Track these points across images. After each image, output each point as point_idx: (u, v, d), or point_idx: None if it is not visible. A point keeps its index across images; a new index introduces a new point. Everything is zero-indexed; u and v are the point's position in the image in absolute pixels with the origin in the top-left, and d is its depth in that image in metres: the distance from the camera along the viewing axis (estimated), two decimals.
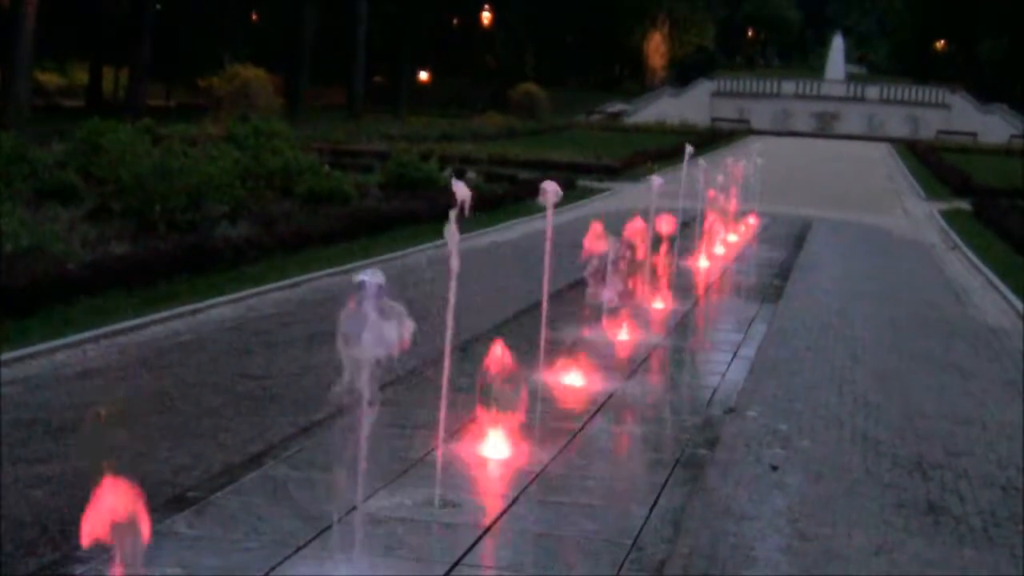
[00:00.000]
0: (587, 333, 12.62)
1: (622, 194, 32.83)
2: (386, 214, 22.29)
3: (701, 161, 20.45)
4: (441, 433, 7.34)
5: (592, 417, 9.73)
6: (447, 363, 7.16)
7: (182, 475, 7.91)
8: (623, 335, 13.06)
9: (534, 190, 29.47)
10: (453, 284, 7.05)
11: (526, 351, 9.73)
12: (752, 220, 26.82)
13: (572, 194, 29.65)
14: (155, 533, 6.57)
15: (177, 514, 6.93)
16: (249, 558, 6.31)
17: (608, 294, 10.52)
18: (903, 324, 15.65)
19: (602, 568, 6.46)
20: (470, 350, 10.95)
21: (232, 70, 47.95)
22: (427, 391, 9.82)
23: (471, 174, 33.65)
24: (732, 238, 23.48)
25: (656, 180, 14.62)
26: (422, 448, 8.24)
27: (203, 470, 8.02)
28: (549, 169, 36.80)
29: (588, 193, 32.56)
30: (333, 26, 69.37)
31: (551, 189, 9.47)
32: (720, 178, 22.70)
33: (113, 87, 66.47)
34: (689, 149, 18.86)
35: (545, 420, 9.47)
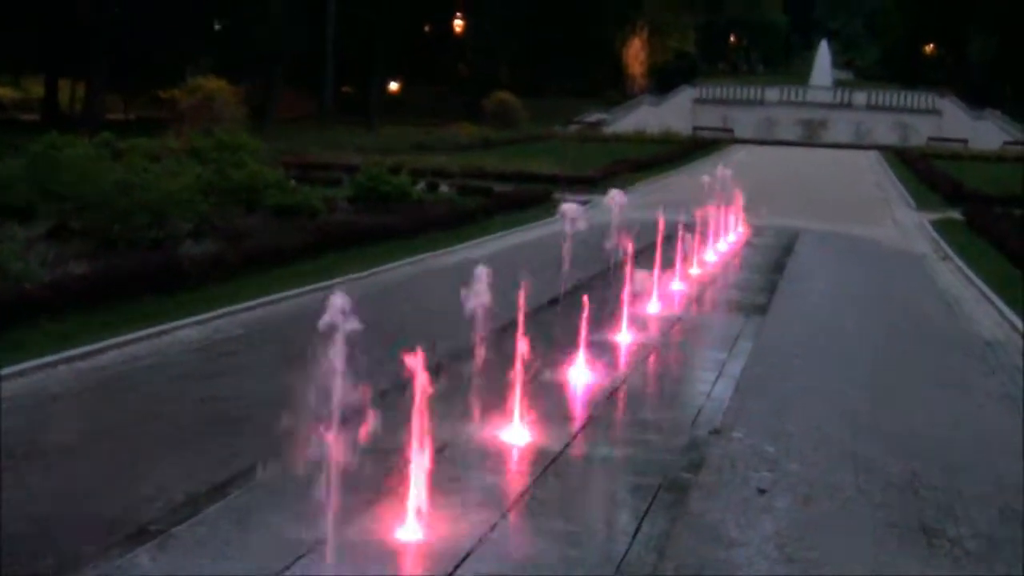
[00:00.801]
0: (565, 353, 12.59)
1: (601, 206, 32.84)
2: (356, 229, 22.24)
3: (683, 174, 20.49)
4: (412, 456, 7.30)
5: (572, 439, 9.72)
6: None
7: (144, 507, 7.84)
8: (601, 355, 13.04)
9: (510, 203, 29.81)
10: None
11: (500, 368, 9.71)
12: (736, 232, 26.87)
13: (548, 207, 29.66)
14: (116, 568, 6.57)
15: (138, 547, 6.88)
16: None
17: None
18: (894, 338, 15.69)
19: None
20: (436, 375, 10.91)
21: (195, 82, 47.86)
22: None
23: (444, 187, 33.64)
24: (715, 251, 23.53)
25: (617, 196, 14.70)
26: (393, 472, 8.20)
27: (166, 501, 7.96)
28: (526, 181, 36.84)
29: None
30: (301, 35, 69.31)
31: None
32: (703, 186, 22.73)
33: (70, 100, 66.26)
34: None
35: (521, 442, 9.46)
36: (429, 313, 14.65)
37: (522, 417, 9.57)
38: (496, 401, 10.03)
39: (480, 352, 7.74)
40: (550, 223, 25.37)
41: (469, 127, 64.52)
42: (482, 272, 8.07)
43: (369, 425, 6.15)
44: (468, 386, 7.77)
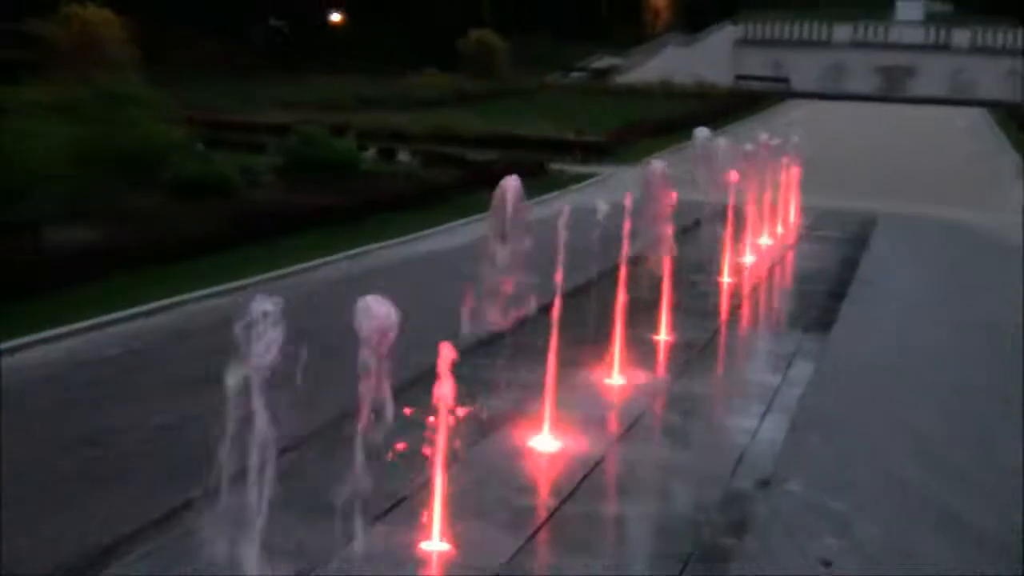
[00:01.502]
0: (563, 375, 12.53)
1: (613, 182, 32.84)
2: (286, 211, 22.18)
3: (720, 140, 20.50)
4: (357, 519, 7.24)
5: (572, 492, 9.68)
6: None
7: None
8: (615, 378, 12.99)
9: (490, 176, 29.65)
10: None
11: (480, 398, 9.65)
12: (793, 219, 26.88)
13: (542, 183, 29.64)
14: None
15: None
16: None
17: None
18: (1002, 363, 15.64)
19: None
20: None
21: (68, 11, 47.72)
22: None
23: (403, 155, 33.65)
24: (763, 245, 23.51)
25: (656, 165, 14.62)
26: (323, 537, 8.17)
27: (25, 574, 7.89)
28: (511, 147, 36.82)
29: (565, 181, 32.57)
30: None
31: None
32: (748, 153, 22.68)
33: None
34: (703, 133, 18.87)
35: (504, 497, 9.40)
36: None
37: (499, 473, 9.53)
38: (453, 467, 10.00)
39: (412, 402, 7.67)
40: (544, 202, 25.37)
41: (437, 76, 64.53)
42: None
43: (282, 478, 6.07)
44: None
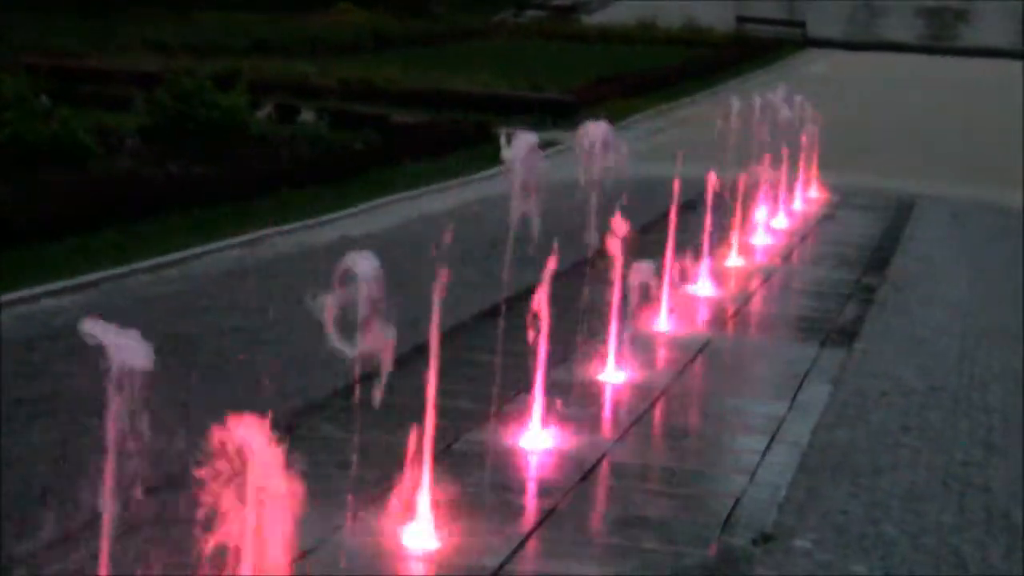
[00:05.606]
0: (522, 399, 12.56)
1: (575, 153, 32.88)
2: (154, 185, 22.10)
3: (717, 99, 20.56)
4: None
5: (523, 543, 9.76)
6: None
7: None
8: (578, 406, 13.00)
9: (421, 143, 29.64)
10: None
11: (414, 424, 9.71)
12: (809, 199, 26.96)
13: (486, 151, 29.61)
14: None
15: None
16: None
17: None
18: None
19: None
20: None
21: None
22: None
23: (307, 115, 33.58)
24: (770, 232, 23.57)
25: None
26: None
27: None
28: (448, 106, 36.75)
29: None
30: None
31: None
32: (750, 119, 22.76)
33: None
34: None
35: (445, 550, 9.48)
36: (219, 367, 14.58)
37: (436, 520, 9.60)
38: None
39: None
40: (487, 180, 25.40)
41: (352, 13, 64.39)
42: None
43: None
44: None
